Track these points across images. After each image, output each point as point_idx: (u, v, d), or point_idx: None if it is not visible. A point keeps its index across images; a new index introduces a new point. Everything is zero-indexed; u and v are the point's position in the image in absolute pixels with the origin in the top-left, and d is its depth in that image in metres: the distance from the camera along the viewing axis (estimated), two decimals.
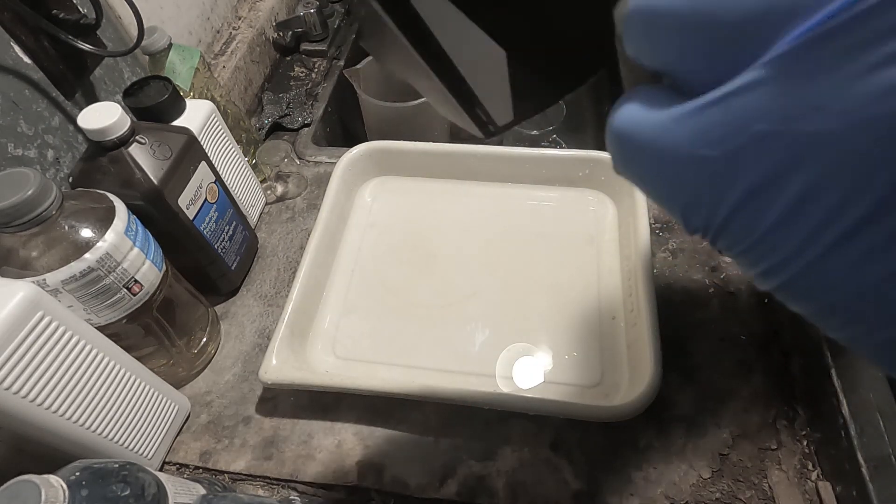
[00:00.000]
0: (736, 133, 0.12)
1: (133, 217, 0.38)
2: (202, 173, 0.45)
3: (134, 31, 0.45)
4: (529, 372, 0.44)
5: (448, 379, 0.44)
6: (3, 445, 0.39)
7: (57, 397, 0.32)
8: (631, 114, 0.14)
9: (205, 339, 0.47)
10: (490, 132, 0.23)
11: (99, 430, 0.35)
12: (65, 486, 0.25)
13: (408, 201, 0.57)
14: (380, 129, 0.69)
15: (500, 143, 0.71)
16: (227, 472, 0.42)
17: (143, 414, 0.39)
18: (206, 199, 0.45)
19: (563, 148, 0.70)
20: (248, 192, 0.56)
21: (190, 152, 0.43)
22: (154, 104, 0.45)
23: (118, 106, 0.39)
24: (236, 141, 0.54)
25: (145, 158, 0.40)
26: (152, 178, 0.40)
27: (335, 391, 0.42)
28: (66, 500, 0.24)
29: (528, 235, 0.52)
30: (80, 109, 0.39)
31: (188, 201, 0.43)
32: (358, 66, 0.66)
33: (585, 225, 0.53)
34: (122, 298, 0.37)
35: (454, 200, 0.56)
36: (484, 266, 0.51)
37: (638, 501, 0.38)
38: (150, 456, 0.40)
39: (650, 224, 0.49)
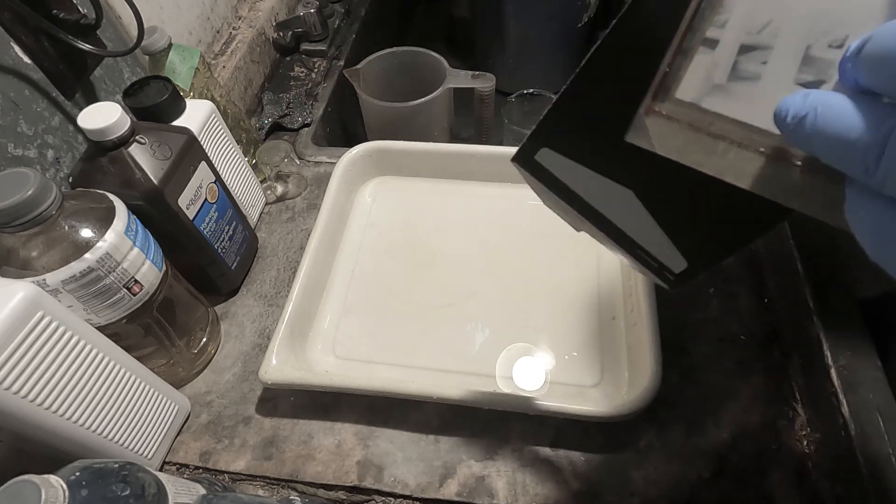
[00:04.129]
0: None
1: (133, 217, 0.38)
2: (202, 173, 0.45)
3: (134, 31, 0.45)
4: (529, 372, 0.44)
5: (448, 379, 0.44)
6: (3, 445, 0.39)
7: (57, 397, 0.32)
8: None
9: (205, 339, 0.47)
10: (670, 280, 0.25)
11: (99, 430, 0.35)
12: (65, 486, 0.25)
13: (408, 201, 0.57)
14: (380, 129, 0.69)
15: (500, 143, 0.71)
16: (227, 472, 0.42)
17: (143, 414, 0.39)
18: (206, 199, 0.45)
19: None
20: (248, 192, 0.56)
21: (190, 152, 0.43)
22: (154, 104, 0.45)
23: (118, 106, 0.39)
24: (236, 141, 0.54)
25: (145, 158, 0.40)
26: (152, 178, 0.40)
27: (335, 391, 0.42)
28: (66, 500, 0.24)
29: (528, 235, 0.52)
30: (80, 109, 0.39)
31: (188, 201, 0.43)
32: (358, 66, 0.66)
33: None
34: (122, 298, 0.37)
35: (454, 200, 0.56)
36: (484, 266, 0.51)
37: (638, 501, 0.38)
38: (150, 456, 0.40)
39: None
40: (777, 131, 0.19)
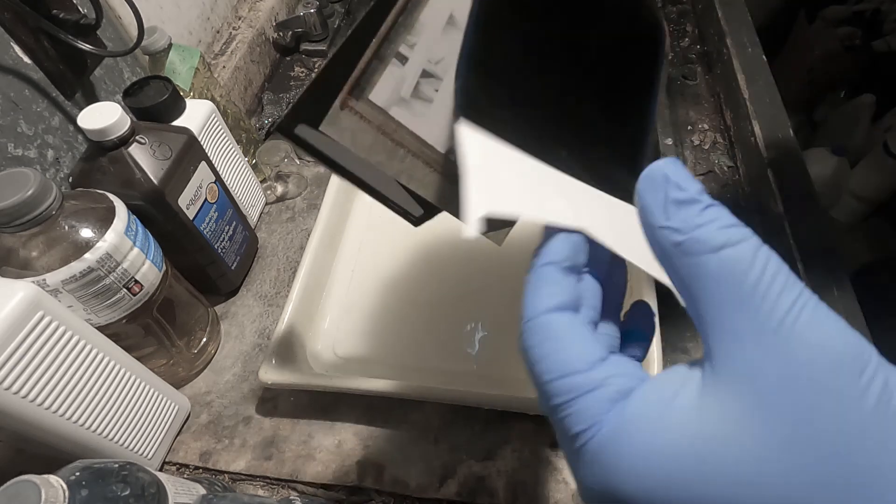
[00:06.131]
0: None
1: (133, 217, 0.38)
2: (202, 173, 0.45)
3: (134, 31, 0.45)
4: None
5: (448, 379, 0.44)
6: (3, 445, 0.39)
7: (57, 397, 0.32)
8: None
9: (205, 339, 0.47)
10: (413, 219, 0.32)
11: (99, 430, 0.35)
12: (65, 486, 0.25)
13: None
14: None
15: None
16: (227, 472, 0.42)
17: (143, 414, 0.39)
18: (206, 199, 0.45)
19: None
20: (248, 192, 0.56)
21: (190, 152, 0.43)
22: (154, 104, 0.45)
23: (118, 106, 0.39)
24: (236, 141, 0.54)
25: (145, 158, 0.40)
26: (152, 178, 0.40)
27: (335, 391, 0.42)
28: (66, 500, 0.24)
29: (530, 234, 0.52)
30: (80, 109, 0.39)
31: (188, 201, 0.43)
32: None
33: None
34: (122, 298, 0.37)
35: None
36: (484, 265, 0.51)
37: None
38: (150, 456, 0.40)
39: None
40: (439, 148, 0.25)
